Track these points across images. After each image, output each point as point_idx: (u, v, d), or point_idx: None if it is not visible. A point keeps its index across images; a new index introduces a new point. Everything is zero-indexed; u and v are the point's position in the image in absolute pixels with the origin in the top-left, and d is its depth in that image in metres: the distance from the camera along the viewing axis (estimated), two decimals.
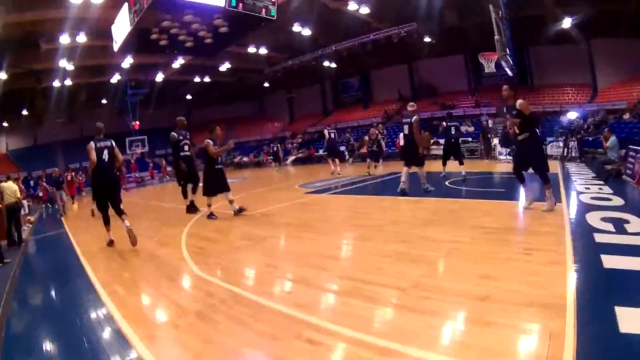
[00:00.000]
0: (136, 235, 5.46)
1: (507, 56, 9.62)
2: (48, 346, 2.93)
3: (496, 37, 8.69)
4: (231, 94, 28.96)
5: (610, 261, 3.22)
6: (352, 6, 15.07)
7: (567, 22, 14.13)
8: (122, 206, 5.71)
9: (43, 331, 3.23)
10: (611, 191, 6.43)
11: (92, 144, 5.61)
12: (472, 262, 3.56)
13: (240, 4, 8.76)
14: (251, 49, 20.01)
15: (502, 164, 12.87)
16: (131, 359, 2.50)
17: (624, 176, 7.88)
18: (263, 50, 20.53)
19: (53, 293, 4.39)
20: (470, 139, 16.66)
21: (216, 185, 7.16)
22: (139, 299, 3.71)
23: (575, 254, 3.47)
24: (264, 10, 9.20)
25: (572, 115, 14.22)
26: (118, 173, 7.01)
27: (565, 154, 12.45)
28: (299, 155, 23.68)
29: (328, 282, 3.55)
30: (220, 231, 6.34)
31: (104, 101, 25.28)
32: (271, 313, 2.94)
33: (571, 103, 17.33)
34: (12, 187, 7.88)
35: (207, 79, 24.65)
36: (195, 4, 8.64)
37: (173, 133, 7.91)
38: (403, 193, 7.41)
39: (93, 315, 3.35)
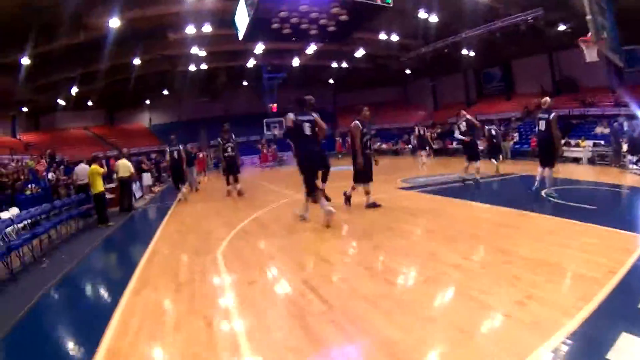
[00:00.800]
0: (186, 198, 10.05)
1: (605, 41, 7.41)
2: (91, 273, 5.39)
3: (588, 17, 6.90)
4: (373, 80, 29.25)
5: (627, 347, 2.14)
6: None
7: None
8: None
9: (98, 267, 5.67)
10: None
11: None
12: (441, 298, 3.16)
13: None
14: (382, 36, 20.10)
15: (629, 174, 10.23)
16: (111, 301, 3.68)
17: None
18: (395, 37, 20.39)
19: (122, 248, 6.82)
20: (602, 143, 13.90)
21: (366, 173, 6.92)
22: (162, 263, 4.94)
23: (586, 323, 2.43)
24: None
25: None
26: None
27: None
28: (434, 146, 22.80)
29: (288, 283, 3.81)
30: (278, 219, 6.86)
31: (244, 83, 26.97)
32: (219, 295, 3.67)
33: None
34: (125, 164, 9.68)
35: (344, 65, 25.55)
36: None
37: (289, 115, 6.25)
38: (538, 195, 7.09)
39: (125, 266, 5.23)
